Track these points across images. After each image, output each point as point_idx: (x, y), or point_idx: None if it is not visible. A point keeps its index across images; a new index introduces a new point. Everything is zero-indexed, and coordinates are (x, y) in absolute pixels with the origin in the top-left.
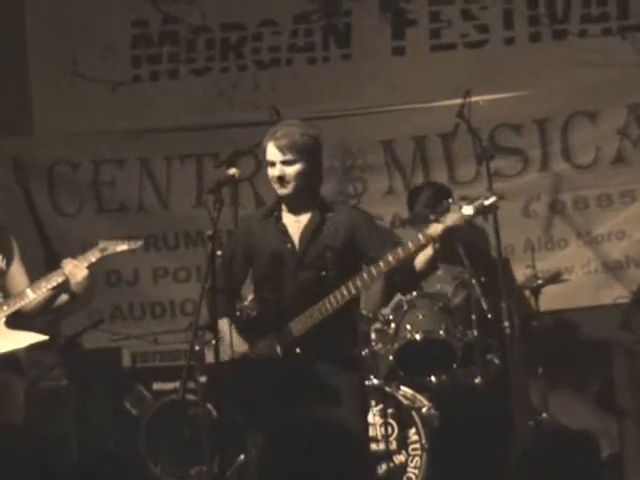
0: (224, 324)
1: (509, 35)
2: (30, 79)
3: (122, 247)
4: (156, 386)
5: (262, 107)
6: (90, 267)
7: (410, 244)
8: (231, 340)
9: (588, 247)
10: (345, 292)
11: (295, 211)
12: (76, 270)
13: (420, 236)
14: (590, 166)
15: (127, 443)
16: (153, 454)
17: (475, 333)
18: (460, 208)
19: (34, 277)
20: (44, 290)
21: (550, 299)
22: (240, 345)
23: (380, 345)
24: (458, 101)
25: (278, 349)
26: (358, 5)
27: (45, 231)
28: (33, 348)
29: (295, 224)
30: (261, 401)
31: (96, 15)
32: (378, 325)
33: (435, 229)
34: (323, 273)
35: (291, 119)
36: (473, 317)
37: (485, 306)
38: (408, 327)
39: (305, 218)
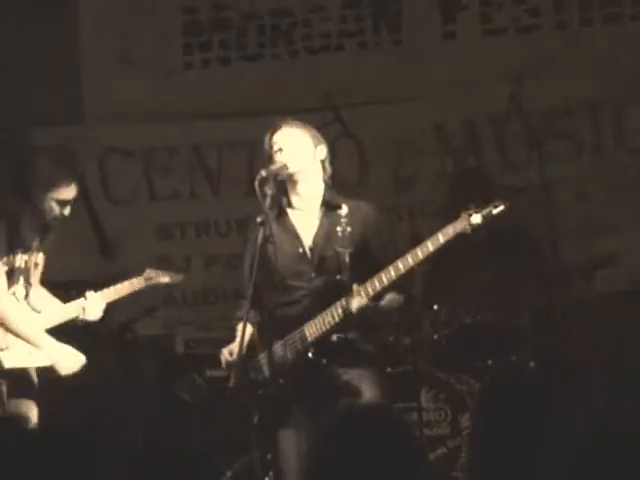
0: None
1: (560, 19)
2: (81, 67)
3: (165, 279)
4: (209, 373)
5: (313, 93)
6: (113, 302)
7: (419, 251)
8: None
9: None
10: (358, 301)
11: (304, 209)
12: (94, 307)
13: (429, 243)
14: None
15: (180, 430)
16: (206, 441)
17: (528, 316)
18: (469, 216)
19: (89, 266)
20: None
21: (605, 282)
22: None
23: (432, 330)
24: (510, 85)
25: (289, 355)
26: None
27: (98, 219)
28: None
29: (305, 224)
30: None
31: (147, 3)
32: (431, 310)
33: (441, 237)
34: (338, 277)
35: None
36: (525, 300)
37: (537, 289)
38: (460, 311)
39: (314, 217)
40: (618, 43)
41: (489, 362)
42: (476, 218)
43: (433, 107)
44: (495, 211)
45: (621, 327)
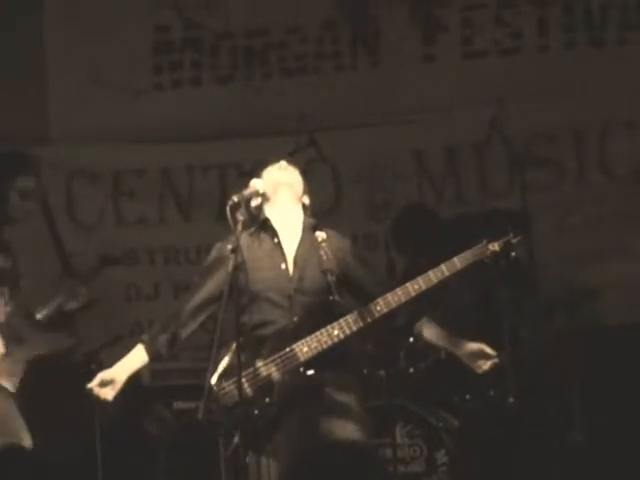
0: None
1: (544, 42)
2: (48, 85)
3: None
4: (177, 405)
5: (287, 116)
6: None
7: (432, 275)
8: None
9: (626, 262)
10: (360, 321)
11: (285, 230)
12: None
13: (444, 268)
14: (627, 177)
15: (146, 463)
16: (173, 474)
17: (507, 351)
18: (488, 243)
19: (49, 292)
20: None
21: (586, 316)
22: (121, 373)
23: (408, 363)
24: (491, 110)
25: (276, 375)
26: (387, 11)
27: (62, 243)
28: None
29: (286, 242)
30: (267, 427)
31: (117, 20)
32: (407, 342)
33: (457, 262)
34: (331, 298)
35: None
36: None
37: (516, 324)
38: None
39: (295, 236)
40: (603, 68)
41: (467, 397)
42: (495, 246)
43: (411, 132)
44: (514, 240)
45: (603, 362)
